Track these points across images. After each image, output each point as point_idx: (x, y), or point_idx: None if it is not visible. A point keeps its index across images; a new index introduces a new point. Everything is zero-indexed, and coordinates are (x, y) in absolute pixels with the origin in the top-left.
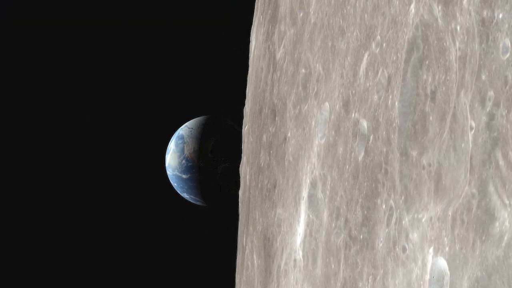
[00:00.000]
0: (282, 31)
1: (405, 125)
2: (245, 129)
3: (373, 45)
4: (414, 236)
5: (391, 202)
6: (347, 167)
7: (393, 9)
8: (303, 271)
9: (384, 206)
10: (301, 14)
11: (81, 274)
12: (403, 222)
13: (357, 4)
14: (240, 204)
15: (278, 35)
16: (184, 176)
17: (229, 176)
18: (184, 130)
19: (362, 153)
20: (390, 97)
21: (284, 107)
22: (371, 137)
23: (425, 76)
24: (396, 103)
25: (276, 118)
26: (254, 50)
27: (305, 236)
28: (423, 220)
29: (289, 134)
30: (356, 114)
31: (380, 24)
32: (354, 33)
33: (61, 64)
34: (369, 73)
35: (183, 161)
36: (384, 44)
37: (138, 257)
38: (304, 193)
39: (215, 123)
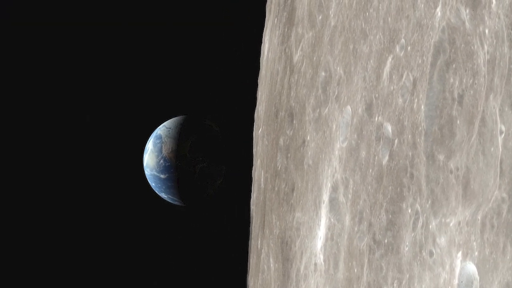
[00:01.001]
0: (300, 34)
1: (432, 128)
2: (259, 132)
3: (397, 48)
4: (442, 240)
5: (417, 206)
6: (371, 171)
7: (418, 12)
8: (324, 275)
9: (409, 210)
10: (320, 17)
11: (57, 273)
12: (430, 226)
13: (380, 7)
14: (253, 207)
15: (295, 38)
16: (162, 176)
17: (207, 175)
18: (162, 129)
19: (387, 157)
20: (416, 100)
21: (302, 110)
22: (396, 141)
23: (452, 80)
24: (422, 107)
25: (294, 121)
26: (267, 52)
27: (326, 240)
28: (451, 224)
29: (308, 138)
30: (379, 117)
31: (405, 27)
32: (377, 36)
33: (61, 64)
34: (393, 76)
35: (161, 161)
36: (409, 47)
37: (116, 257)
38: (325, 197)
39: (193, 123)
